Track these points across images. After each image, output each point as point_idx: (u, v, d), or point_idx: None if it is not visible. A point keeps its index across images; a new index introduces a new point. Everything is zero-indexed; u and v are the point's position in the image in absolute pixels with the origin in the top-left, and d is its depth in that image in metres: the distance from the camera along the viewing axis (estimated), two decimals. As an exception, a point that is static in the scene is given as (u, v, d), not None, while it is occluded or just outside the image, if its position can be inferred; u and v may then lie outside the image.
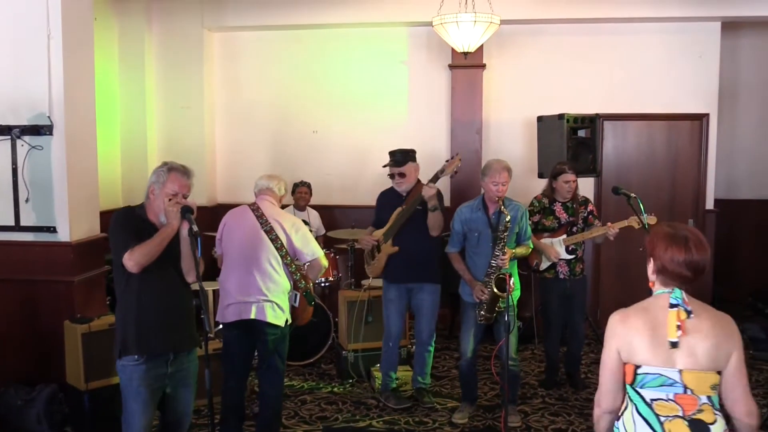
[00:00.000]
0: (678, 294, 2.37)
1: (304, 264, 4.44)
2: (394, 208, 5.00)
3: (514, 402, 5.08)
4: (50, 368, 4.82)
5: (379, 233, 5.10)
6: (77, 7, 4.99)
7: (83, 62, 5.10)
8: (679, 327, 2.31)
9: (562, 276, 5.42)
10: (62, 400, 4.72)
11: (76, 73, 4.97)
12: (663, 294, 2.42)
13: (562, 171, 5.42)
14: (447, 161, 4.87)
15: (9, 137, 4.80)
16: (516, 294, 4.92)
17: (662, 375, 2.34)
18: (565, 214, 5.44)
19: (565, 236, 5.40)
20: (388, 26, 7.44)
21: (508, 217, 4.60)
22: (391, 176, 5.07)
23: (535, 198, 5.56)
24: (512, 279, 4.44)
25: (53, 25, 4.77)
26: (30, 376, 4.83)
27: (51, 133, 4.80)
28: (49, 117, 4.79)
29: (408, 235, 4.95)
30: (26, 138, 4.81)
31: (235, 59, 7.79)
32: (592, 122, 6.60)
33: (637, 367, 2.37)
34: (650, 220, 5.01)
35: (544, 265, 5.43)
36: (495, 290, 4.58)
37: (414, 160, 5.07)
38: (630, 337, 2.38)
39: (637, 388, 2.39)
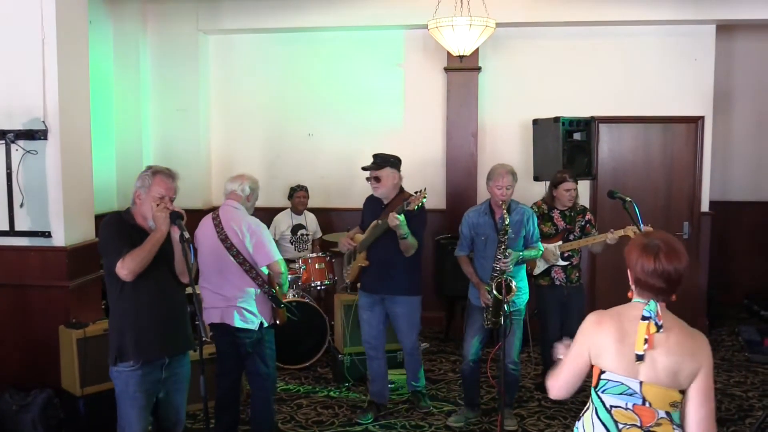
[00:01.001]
0: (652, 307, 2.34)
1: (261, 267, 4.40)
2: (375, 215, 4.89)
3: (511, 405, 5.08)
4: (45, 373, 4.80)
5: (359, 238, 5.03)
6: (72, 11, 4.97)
7: (78, 66, 5.08)
8: (646, 341, 2.29)
9: (558, 283, 5.38)
10: (57, 406, 4.70)
11: (71, 77, 4.95)
12: (638, 304, 2.41)
13: (563, 180, 5.36)
14: (416, 192, 4.62)
15: (3, 142, 4.78)
16: (525, 297, 4.92)
17: (623, 384, 2.35)
18: (562, 222, 5.40)
19: (561, 242, 5.36)
20: (383, 29, 7.43)
21: (507, 220, 4.61)
22: (369, 179, 4.95)
23: (534, 204, 5.50)
24: (513, 283, 4.45)
25: (48, 28, 4.75)
26: (25, 381, 4.80)
27: (46, 138, 4.78)
28: (43, 121, 4.77)
29: (381, 246, 4.83)
30: (21, 142, 4.79)
31: (230, 62, 7.78)
32: (588, 125, 6.62)
33: (602, 372, 2.39)
34: (648, 230, 4.98)
35: (538, 270, 5.39)
36: (495, 293, 4.56)
37: (394, 167, 4.89)
38: (600, 340, 2.39)
39: (599, 392, 2.41)
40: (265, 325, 4.40)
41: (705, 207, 7.30)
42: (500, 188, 4.70)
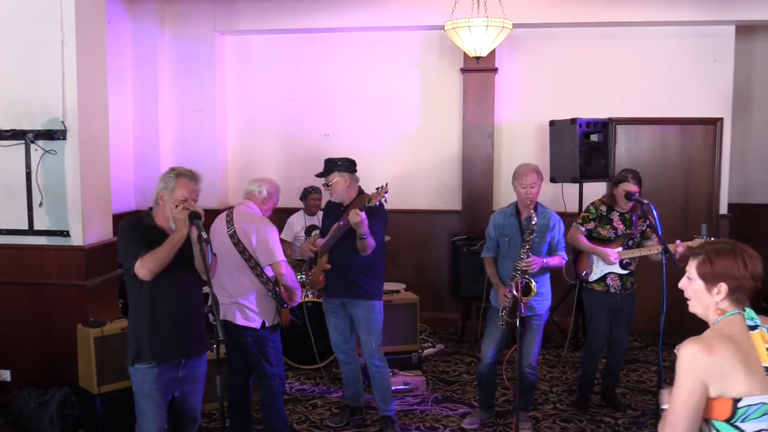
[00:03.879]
0: (752, 314, 2.21)
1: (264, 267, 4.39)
2: (335, 219, 4.82)
3: (527, 409, 5.05)
4: (63, 372, 4.85)
5: (319, 243, 4.91)
6: (91, 12, 5.02)
7: (96, 67, 5.13)
8: None
9: (613, 290, 5.05)
10: (75, 404, 4.74)
11: (90, 77, 5.00)
12: (734, 316, 2.25)
13: (623, 179, 4.98)
14: (377, 189, 4.55)
15: (23, 142, 4.83)
16: (547, 303, 4.85)
17: (765, 403, 2.16)
18: (622, 225, 5.05)
19: (621, 249, 4.99)
20: (400, 30, 7.43)
21: (534, 219, 4.56)
22: (324, 186, 4.92)
23: (592, 204, 5.21)
24: (533, 284, 4.41)
25: (67, 30, 4.80)
26: (43, 379, 4.85)
27: (64, 138, 4.83)
28: (62, 122, 4.82)
29: (342, 249, 4.72)
30: (40, 143, 4.84)
31: (247, 62, 7.82)
32: (605, 126, 6.59)
33: (737, 400, 2.15)
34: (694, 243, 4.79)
35: (594, 276, 5.07)
36: (515, 293, 4.51)
37: (343, 170, 4.77)
38: (722, 370, 2.15)
39: (738, 423, 2.18)
40: (268, 324, 4.41)
41: (723, 209, 7.23)
42: (524, 186, 4.65)
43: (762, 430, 2.17)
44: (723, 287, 2.26)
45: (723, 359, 2.15)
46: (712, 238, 4.09)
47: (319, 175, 4.86)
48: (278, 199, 4.64)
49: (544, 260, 4.64)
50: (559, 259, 4.76)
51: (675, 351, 2.26)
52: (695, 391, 2.16)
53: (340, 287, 4.82)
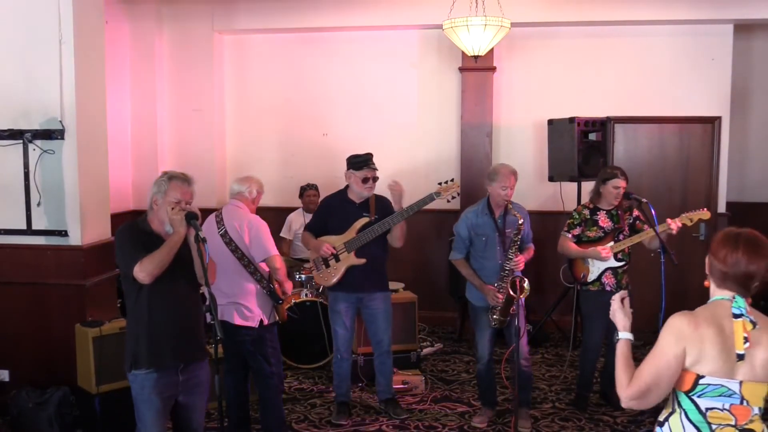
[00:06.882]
0: (741, 303, 2.32)
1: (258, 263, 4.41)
2: (349, 216, 4.88)
3: (528, 405, 5.04)
4: (61, 372, 4.84)
5: (333, 240, 4.90)
6: (89, 12, 5.02)
7: (95, 67, 5.13)
8: (746, 339, 2.25)
9: (608, 288, 5.03)
10: (73, 403, 4.74)
11: (88, 77, 5.00)
12: (723, 301, 2.37)
13: (613, 176, 5.00)
14: (441, 183, 4.87)
15: (21, 141, 4.83)
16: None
17: (724, 386, 2.31)
18: (609, 223, 5.06)
19: (612, 243, 5.01)
20: (398, 29, 7.43)
21: (521, 219, 4.59)
22: (365, 180, 4.91)
23: (575, 210, 5.23)
24: (525, 282, 4.42)
25: (65, 30, 4.80)
26: (41, 379, 4.85)
27: (62, 138, 4.82)
28: (60, 121, 4.82)
29: (372, 244, 4.86)
30: (38, 142, 4.84)
31: (245, 62, 7.81)
32: (603, 125, 6.60)
33: (701, 377, 2.32)
34: (703, 215, 4.91)
35: (593, 275, 5.06)
36: (510, 292, 4.50)
37: None
38: (701, 345, 2.30)
39: (694, 397, 2.35)
40: (266, 323, 4.42)
41: (722, 208, 7.24)
42: (505, 189, 4.67)
43: (714, 408, 2.33)
44: (716, 266, 2.41)
45: (705, 337, 2.30)
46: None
47: (370, 167, 4.93)
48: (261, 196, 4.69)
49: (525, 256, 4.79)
50: (531, 251, 4.91)
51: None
52: (677, 355, 2.32)
53: (363, 282, 4.89)
